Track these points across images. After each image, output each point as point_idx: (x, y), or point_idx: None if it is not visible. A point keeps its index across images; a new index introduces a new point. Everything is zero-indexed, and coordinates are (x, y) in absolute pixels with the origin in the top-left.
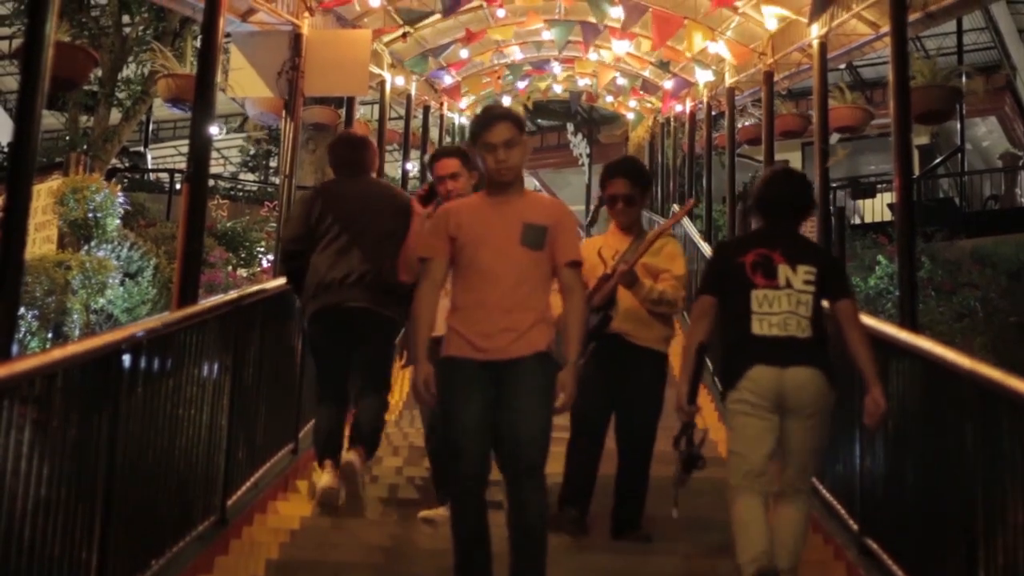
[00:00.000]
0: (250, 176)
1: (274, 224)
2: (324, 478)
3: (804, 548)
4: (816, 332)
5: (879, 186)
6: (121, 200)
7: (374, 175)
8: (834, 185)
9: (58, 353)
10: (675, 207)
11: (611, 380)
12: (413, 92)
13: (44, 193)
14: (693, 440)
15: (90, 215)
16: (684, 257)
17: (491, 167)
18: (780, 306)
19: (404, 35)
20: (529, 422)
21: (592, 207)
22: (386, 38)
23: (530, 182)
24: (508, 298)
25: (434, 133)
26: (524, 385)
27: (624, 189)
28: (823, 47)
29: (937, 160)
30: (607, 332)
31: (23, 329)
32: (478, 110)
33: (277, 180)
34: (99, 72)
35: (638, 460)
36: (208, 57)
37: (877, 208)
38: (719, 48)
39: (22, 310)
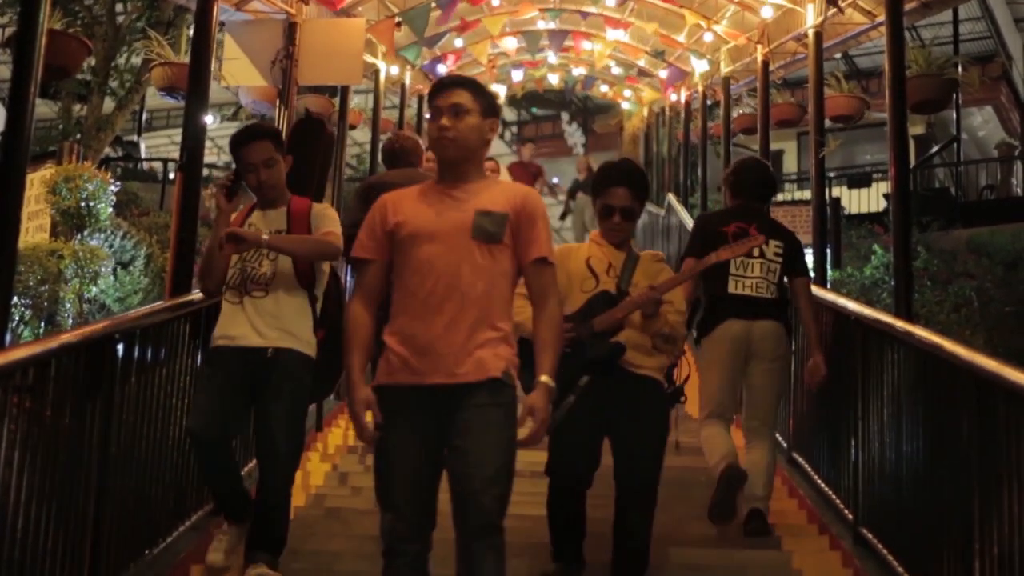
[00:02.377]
0: None
1: None
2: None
3: (773, 483)
4: (779, 294)
5: (874, 175)
6: (114, 189)
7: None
8: (830, 175)
9: (51, 341)
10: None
11: (604, 419)
12: (408, 81)
13: (37, 182)
14: (675, 379)
15: (83, 204)
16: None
17: (431, 136)
18: (754, 271)
19: (398, 24)
20: (479, 468)
21: (564, 199)
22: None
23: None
24: (454, 305)
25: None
26: (473, 420)
27: (625, 201)
28: (819, 36)
29: (933, 150)
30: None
31: (16, 318)
32: None
33: None
34: (92, 61)
35: (641, 507)
36: (202, 46)
37: (872, 198)
38: (714, 36)
39: (15, 299)
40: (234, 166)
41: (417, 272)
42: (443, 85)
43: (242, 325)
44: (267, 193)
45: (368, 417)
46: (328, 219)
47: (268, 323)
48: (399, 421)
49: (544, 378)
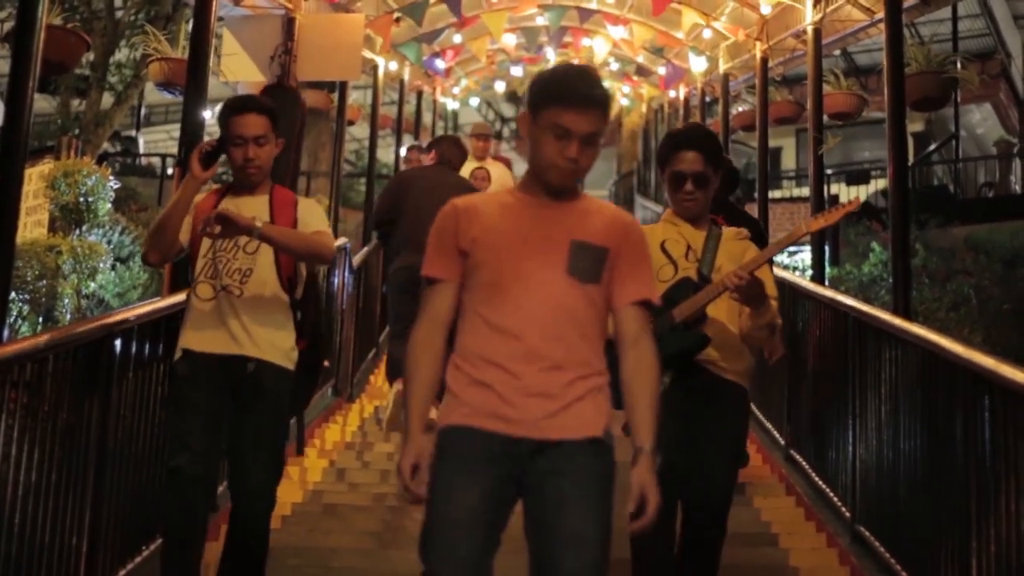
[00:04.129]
0: None
1: None
2: None
3: None
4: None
5: (872, 173)
6: (113, 184)
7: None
8: (829, 172)
9: (49, 337)
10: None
11: (689, 429)
12: (406, 77)
13: (35, 177)
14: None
15: (81, 199)
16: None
17: (548, 159)
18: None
19: (397, 20)
20: (575, 551)
21: None
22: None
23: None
24: (546, 349)
25: (427, 118)
26: (569, 491)
27: (697, 166)
28: (817, 33)
29: (932, 147)
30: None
31: (14, 313)
32: (471, 96)
33: None
34: (91, 56)
35: (710, 535)
36: (200, 41)
37: (871, 195)
38: (713, 33)
39: (13, 294)
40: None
41: (499, 306)
42: (580, 100)
43: (216, 327)
44: (251, 175)
45: (421, 473)
46: (318, 217)
47: (246, 328)
48: (468, 467)
49: (648, 447)
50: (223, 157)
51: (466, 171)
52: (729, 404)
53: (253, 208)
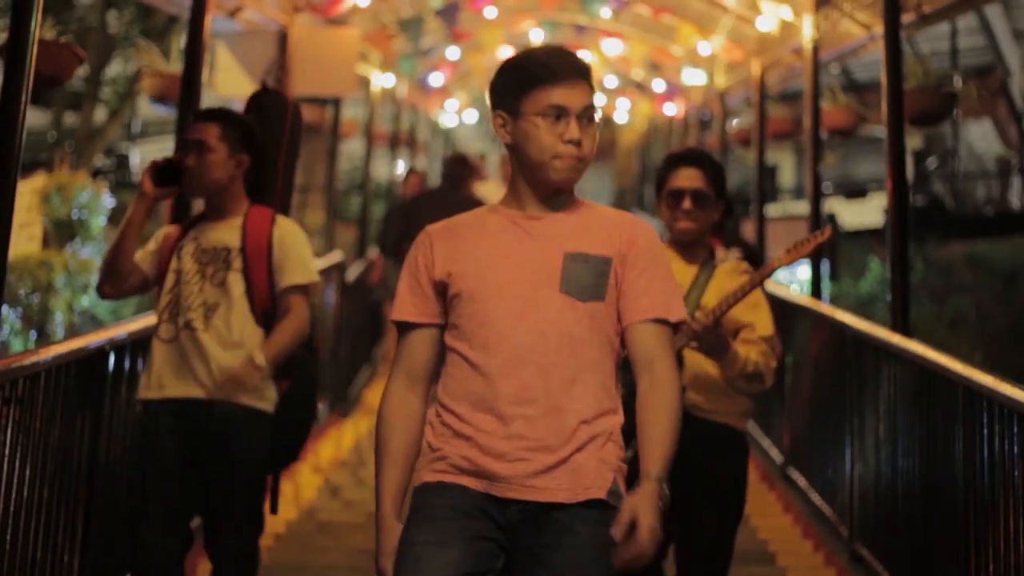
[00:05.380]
0: None
1: None
2: None
3: None
4: None
5: (870, 187)
6: (110, 202)
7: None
8: (827, 191)
9: (41, 353)
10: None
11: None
12: (405, 93)
13: (28, 191)
14: None
15: (75, 214)
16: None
17: (546, 151)
18: None
19: (391, 36)
20: None
21: None
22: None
23: None
24: (540, 387)
25: (423, 134)
26: (566, 566)
27: (696, 183)
28: (815, 49)
29: (931, 165)
30: None
31: (6, 329)
32: (466, 112)
33: None
34: (86, 69)
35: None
36: (194, 55)
37: (870, 213)
38: (710, 48)
39: (5, 310)
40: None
41: (483, 343)
42: (568, 71)
43: (176, 370)
44: (192, 187)
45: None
46: (297, 253)
47: (210, 368)
48: (445, 525)
49: (655, 475)
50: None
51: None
52: (722, 449)
53: (224, 236)
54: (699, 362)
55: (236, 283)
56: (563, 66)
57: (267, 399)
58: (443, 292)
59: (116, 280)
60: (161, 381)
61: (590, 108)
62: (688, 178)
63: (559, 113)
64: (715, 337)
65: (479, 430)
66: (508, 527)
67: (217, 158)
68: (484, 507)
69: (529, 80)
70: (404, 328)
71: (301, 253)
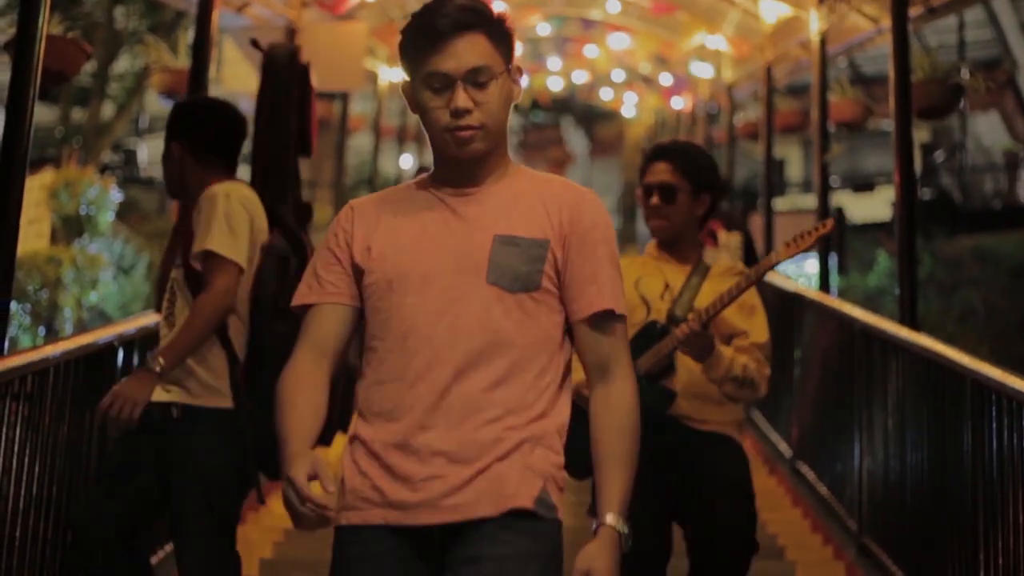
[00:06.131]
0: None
1: None
2: None
3: None
4: None
5: (877, 180)
6: (118, 197)
7: None
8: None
9: (50, 349)
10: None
11: (669, 498)
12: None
13: (36, 187)
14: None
15: (83, 210)
16: (765, 311)
17: (441, 123)
18: None
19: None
20: None
21: None
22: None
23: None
24: (458, 391)
25: None
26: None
27: (664, 176)
28: (822, 42)
29: (939, 158)
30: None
31: (15, 325)
32: None
33: None
34: (91, 66)
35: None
36: (202, 51)
37: (877, 206)
38: (717, 42)
39: (14, 306)
40: None
41: (400, 342)
42: (443, 29)
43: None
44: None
45: (315, 488)
46: (205, 220)
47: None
48: None
49: (611, 518)
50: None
51: None
52: (718, 452)
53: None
54: (690, 368)
55: (178, 277)
56: (439, 21)
57: (227, 396)
58: (359, 277)
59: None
60: None
61: (479, 69)
62: (655, 172)
63: (443, 80)
64: (703, 339)
65: (388, 446)
66: (428, 556)
67: (164, 159)
68: (406, 544)
69: (412, 44)
70: (308, 309)
71: (215, 217)
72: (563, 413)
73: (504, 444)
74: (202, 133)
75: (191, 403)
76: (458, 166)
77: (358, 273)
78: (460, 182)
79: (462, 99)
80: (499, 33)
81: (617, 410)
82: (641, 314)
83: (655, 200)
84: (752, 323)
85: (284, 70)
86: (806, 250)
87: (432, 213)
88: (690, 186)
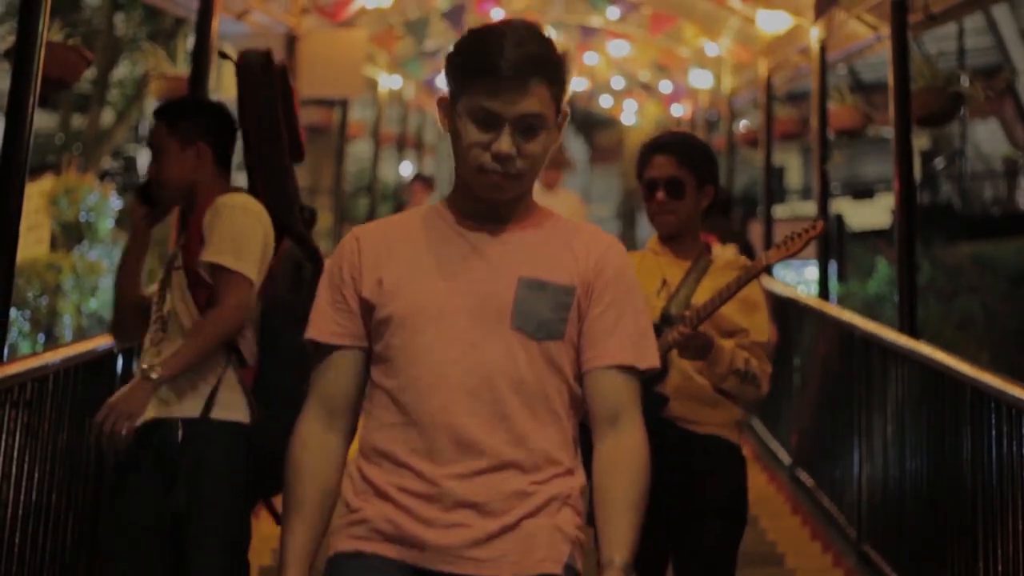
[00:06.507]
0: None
1: None
2: None
3: None
4: None
5: (877, 185)
6: (117, 205)
7: None
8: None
9: (49, 356)
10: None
11: (665, 499)
12: (412, 95)
13: (36, 194)
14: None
15: (83, 216)
16: (767, 307)
17: (478, 162)
18: None
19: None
20: None
21: None
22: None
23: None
24: (482, 439)
25: (431, 136)
26: None
27: (669, 170)
28: (822, 49)
29: (939, 165)
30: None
31: (14, 332)
32: None
33: None
34: (91, 73)
35: None
36: (201, 58)
37: (876, 214)
38: (716, 49)
39: (14, 312)
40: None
41: (414, 383)
42: (507, 69)
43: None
44: (162, 197)
45: None
46: (218, 232)
47: (172, 385)
48: None
49: (620, 560)
50: None
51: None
52: (712, 461)
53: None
54: (684, 369)
55: (177, 284)
56: (506, 59)
57: (241, 409)
58: (369, 312)
59: (130, 327)
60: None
61: (533, 116)
62: (659, 166)
63: (490, 120)
64: (698, 340)
65: (405, 490)
66: None
67: (170, 157)
68: None
69: (465, 71)
70: (323, 351)
71: (230, 230)
72: (581, 472)
73: (532, 500)
74: (230, 137)
75: (197, 416)
76: (483, 203)
77: (367, 309)
78: (482, 217)
79: (507, 144)
80: (560, 80)
81: (630, 460)
82: None
83: (661, 195)
84: (753, 320)
85: (260, 76)
86: (796, 253)
87: (450, 248)
88: (694, 179)
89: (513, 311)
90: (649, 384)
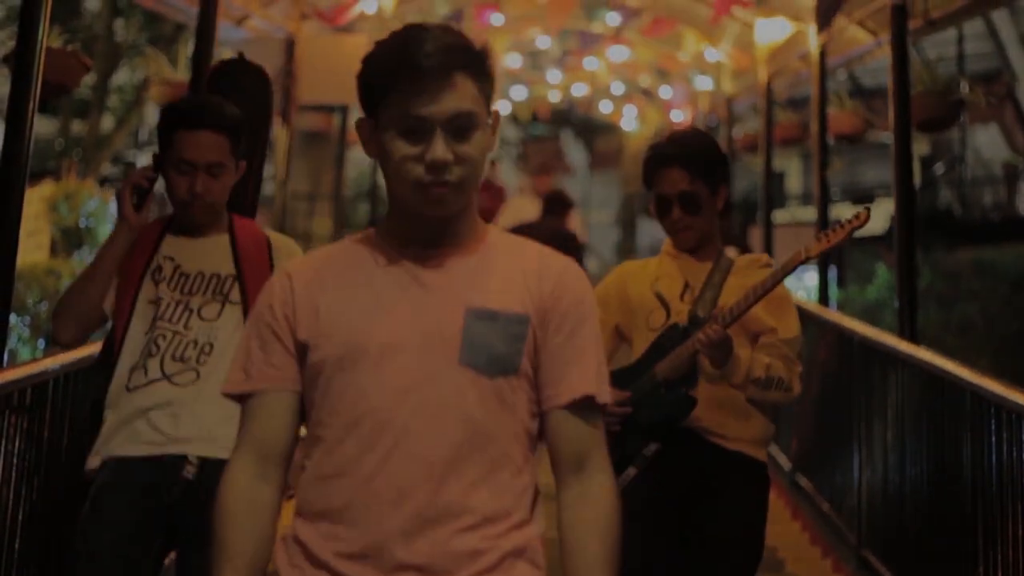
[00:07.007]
0: None
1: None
2: None
3: None
4: None
5: (877, 190)
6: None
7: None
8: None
9: (49, 361)
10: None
11: (681, 511)
12: None
13: (36, 200)
14: None
15: (83, 222)
16: (795, 306)
17: (412, 177)
18: None
19: None
20: None
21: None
22: None
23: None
24: (430, 492)
25: None
26: None
27: (683, 185)
28: (822, 55)
29: (939, 171)
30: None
31: (14, 337)
32: None
33: (271, 187)
34: (91, 78)
35: None
36: (201, 63)
37: (876, 219)
38: (717, 55)
39: (13, 318)
40: (155, 155)
41: (352, 429)
42: (428, 71)
43: (142, 420)
44: (195, 215)
45: None
46: None
47: (195, 416)
48: None
49: None
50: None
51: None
52: (736, 482)
53: (209, 255)
54: (712, 375)
55: (231, 314)
56: (426, 53)
57: None
58: (304, 354)
59: (83, 322)
60: (124, 435)
61: (464, 115)
62: (671, 182)
63: (418, 127)
64: (727, 341)
65: (342, 555)
66: None
67: (230, 178)
68: None
69: (384, 74)
70: (254, 396)
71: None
72: (541, 520)
73: (485, 558)
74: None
75: (216, 457)
76: (422, 225)
77: (301, 351)
78: (422, 243)
79: (441, 150)
80: (485, 75)
81: (596, 508)
82: (660, 317)
83: (677, 213)
84: (781, 318)
85: (240, 80)
86: (839, 244)
87: (388, 278)
88: (708, 188)
89: (461, 345)
90: (678, 385)
